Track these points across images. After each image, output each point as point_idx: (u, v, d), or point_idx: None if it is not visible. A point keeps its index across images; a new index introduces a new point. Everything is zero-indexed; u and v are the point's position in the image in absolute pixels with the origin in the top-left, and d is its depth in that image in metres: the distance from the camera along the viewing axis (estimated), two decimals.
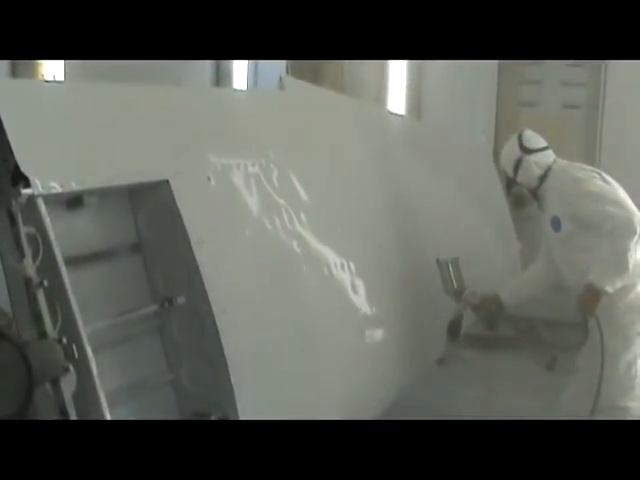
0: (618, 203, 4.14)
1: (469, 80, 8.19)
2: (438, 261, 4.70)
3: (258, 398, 2.89)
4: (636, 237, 4.05)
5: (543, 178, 4.41)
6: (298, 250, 3.49)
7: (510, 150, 4.51)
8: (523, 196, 4.52)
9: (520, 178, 4.45)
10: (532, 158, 4.41)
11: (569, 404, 4.32)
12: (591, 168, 4.44)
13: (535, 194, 4.47)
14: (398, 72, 8.42)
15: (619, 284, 4.10)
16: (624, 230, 4.05)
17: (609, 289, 4.07)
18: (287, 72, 7.09)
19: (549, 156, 4.46)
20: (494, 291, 4.68)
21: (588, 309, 4.14)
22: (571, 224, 4.27)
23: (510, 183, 4.54)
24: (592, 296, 4.11)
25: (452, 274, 4.66)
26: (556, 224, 4.35)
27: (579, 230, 4.25)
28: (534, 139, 4.49)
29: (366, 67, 7.71)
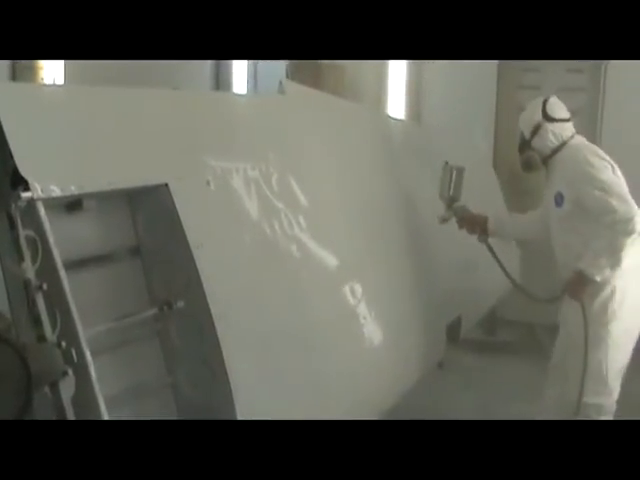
0: (623, 198, 4.14)
1: (469, 85, 8.20)
2: (445, 165, 4.73)
3: (257, 402, 2.88)
4: (634, 236, 4.10)
5: (557, 150, 4.40)
6: (298, 254, 3.48)
7: (532, 113, 4.47)
8: (534, 161, 4.51)
9: (535, 143, 4.44)
10: (551, 127, 4.38)
11: (553, 402, 4.40)
12: (606, 156, 4.35)
13: (546, 162, 4.46)
14: (398, 77, 8.44)
15: (607, 275, 4.17)
16: (624, 227, 4.09)
17: (598, 279, 4.15)
18: (287, 76, 7.10)
19: (568, 129, 4.44)
20: (485, 214, 4.77)
21: (575, 294, 4.25)
22: (572, 205, 4.28)
23: (524, 145, 4.51)
24: (581, 283, 4.21)
25: (453, 181, 4.71)
26: (559, 200, 4.35)
27: (579, 213, 4.25)
28: (558, 108, 4.45)
29: (366, 72, 7.71)
